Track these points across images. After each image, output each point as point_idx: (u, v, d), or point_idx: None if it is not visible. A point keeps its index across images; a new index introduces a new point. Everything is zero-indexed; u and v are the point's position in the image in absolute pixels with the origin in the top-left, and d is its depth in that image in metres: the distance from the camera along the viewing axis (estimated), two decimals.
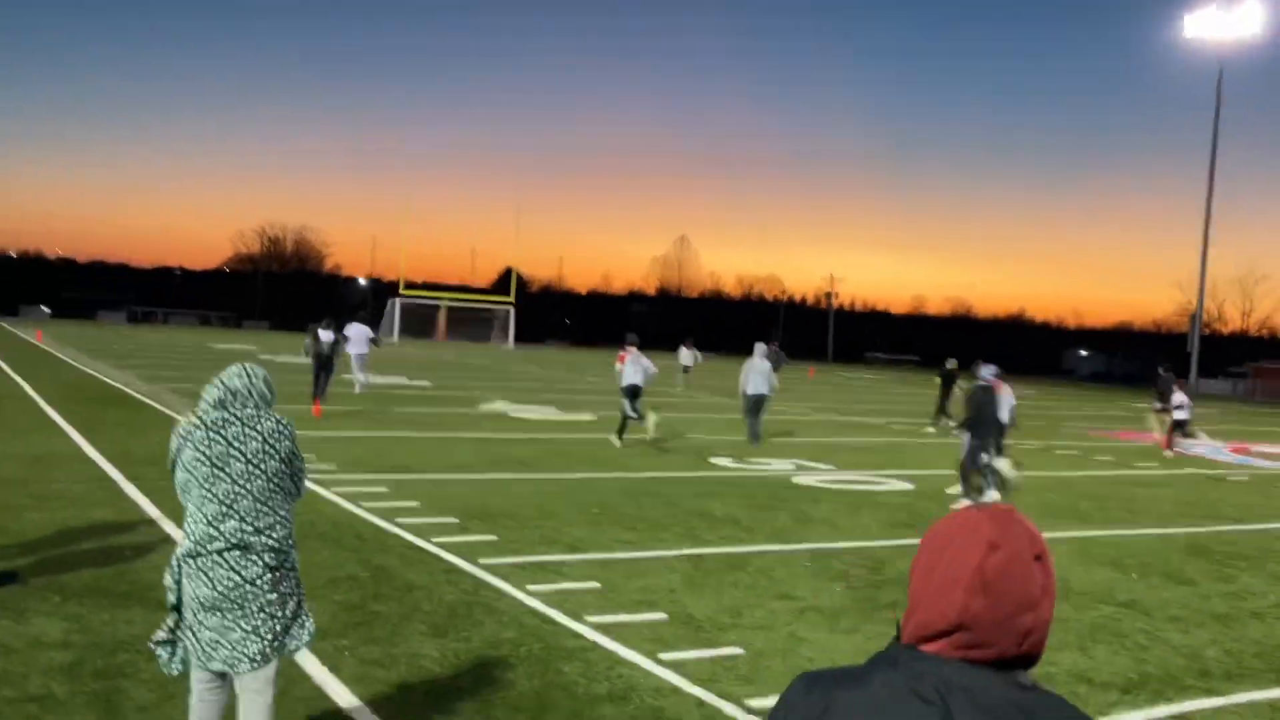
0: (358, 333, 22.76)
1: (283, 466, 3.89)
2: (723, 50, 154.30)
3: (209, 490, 3.76)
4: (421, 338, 61.74)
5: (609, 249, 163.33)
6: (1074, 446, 21.43)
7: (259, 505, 3.79)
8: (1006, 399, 13.67)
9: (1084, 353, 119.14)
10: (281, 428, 3.93)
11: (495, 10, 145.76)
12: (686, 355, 34.39)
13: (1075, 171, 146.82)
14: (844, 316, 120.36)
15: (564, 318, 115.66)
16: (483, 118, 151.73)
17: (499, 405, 22.20)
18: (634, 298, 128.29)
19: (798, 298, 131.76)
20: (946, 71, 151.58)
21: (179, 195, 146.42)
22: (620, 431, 16.56)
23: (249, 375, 3.96)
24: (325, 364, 19.46)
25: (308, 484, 4.54)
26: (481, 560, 8.06)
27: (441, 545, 8.47)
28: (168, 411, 17.31)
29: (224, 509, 3.75)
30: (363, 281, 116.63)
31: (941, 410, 23.42)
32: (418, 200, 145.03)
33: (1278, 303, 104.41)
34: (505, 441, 16.02)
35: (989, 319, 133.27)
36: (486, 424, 18.48)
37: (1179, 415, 21.52)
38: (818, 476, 14.08)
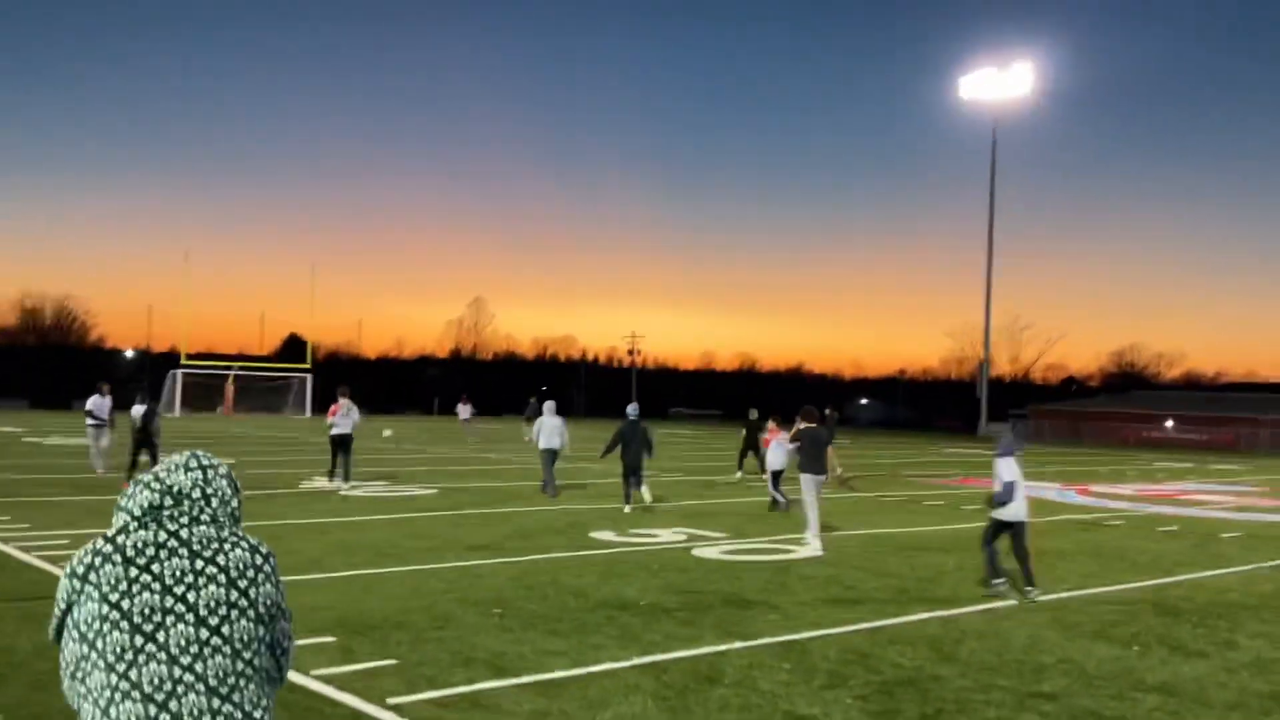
0: (97, 406, 21.08)
1: (258, 628, 2.16)
2: (513, 116, 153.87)
3: (126, 674, 2.02)
4: (205, 411, 57.06)
5: (404, 313, 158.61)
6: (934, 496, 20.89)
7: (217, 701, 2.00)
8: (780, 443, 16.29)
9: (864, 401, 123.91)
10: (259, 560, 2.22)
11: (282, 65, 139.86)
12: (464, 410, 39.46)
13: (851, 225, 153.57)
14: (641, 374, 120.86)
15: (356, 384, 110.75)
16: (271, 178, 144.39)
17: (322, 482, 19.75)
18: (427, 361, 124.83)
19: (596, 357, 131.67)
20: (729, 129, 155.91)
21: None
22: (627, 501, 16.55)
23: (204, 469, 2.21)
24: (143, 439, 18.42)
25: None
26: (390, 700, 6.12)
27: (327, 680, 6.47)
28: None
29: (153, 709, 1.98)
30: (129, 353, 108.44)
31: (745, 456, 24.32)
32: (201, 265, 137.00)
33: (1041, 349, 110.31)
34: (348, 526, 13.81)
35: (773, 372, 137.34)
36: (318, 506, 16.11)
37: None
38: (717, 548, 12.61)
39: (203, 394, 58.28)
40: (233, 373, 59.76)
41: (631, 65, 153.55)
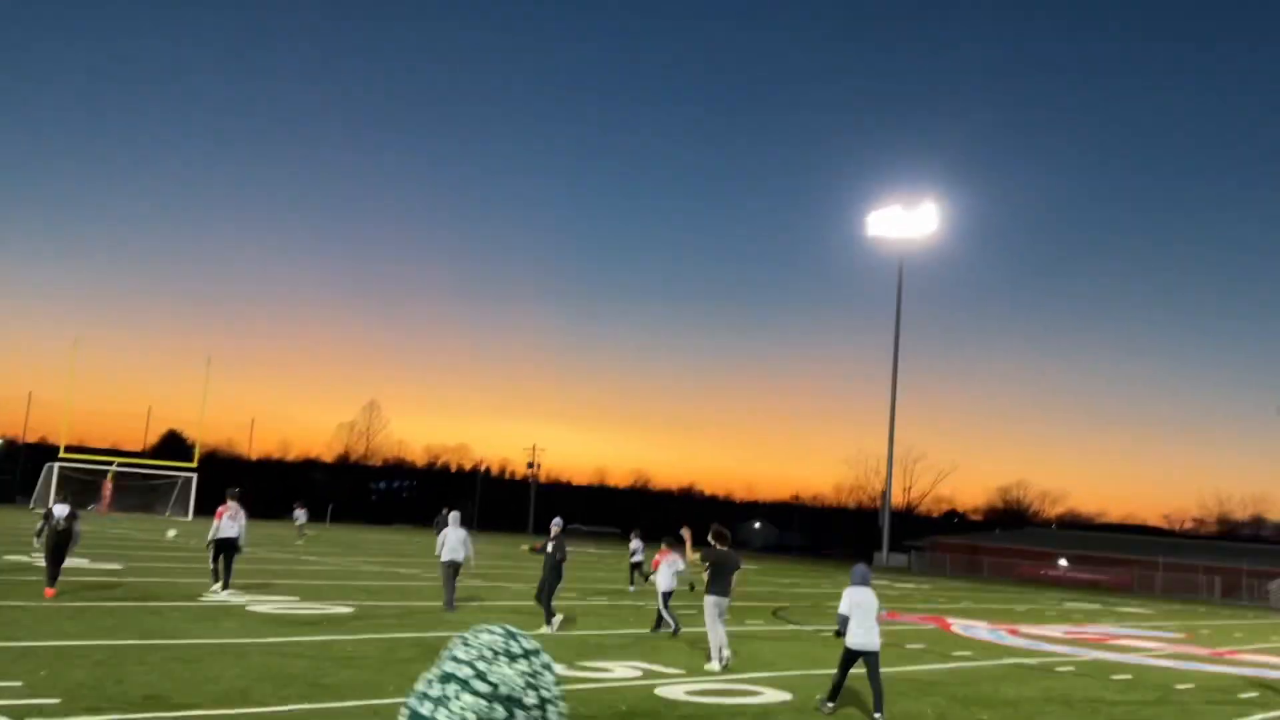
0: None
1: None
2: (417, 221, 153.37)
3: None
4: (80, 508, 53.64)
5: (293, 414, 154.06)
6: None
7: None
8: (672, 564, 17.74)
9: (757, 525, 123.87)
10: None
11: (180, 152, 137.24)
12: (300, 514, 44.14)
13: (748, 348, 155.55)
14: (524, 487, 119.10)
15: (238, 486, 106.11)
16: (166, 269, 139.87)
17: (225, 595, 18.21)
18: (313, 465, 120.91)
19: (489, 468, 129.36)
20: (636, 248, 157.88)
21: None
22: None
23: (533, 664, 1.44)
24: (61, 542, 16.45)
25: None
26: None
27: None
28: None
29: None
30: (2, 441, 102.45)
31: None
32: (85, 353, 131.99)
33: (933, 480, 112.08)
34: (268, 650, 12.51)
35: (665, 491, 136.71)
36: (228, 623, 14.68)
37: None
38: (682, 688, 11.70)
39: (79, 489, 54.84)
40: (112, 468, 56.57)
41: (542, 176, 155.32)
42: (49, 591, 16.03)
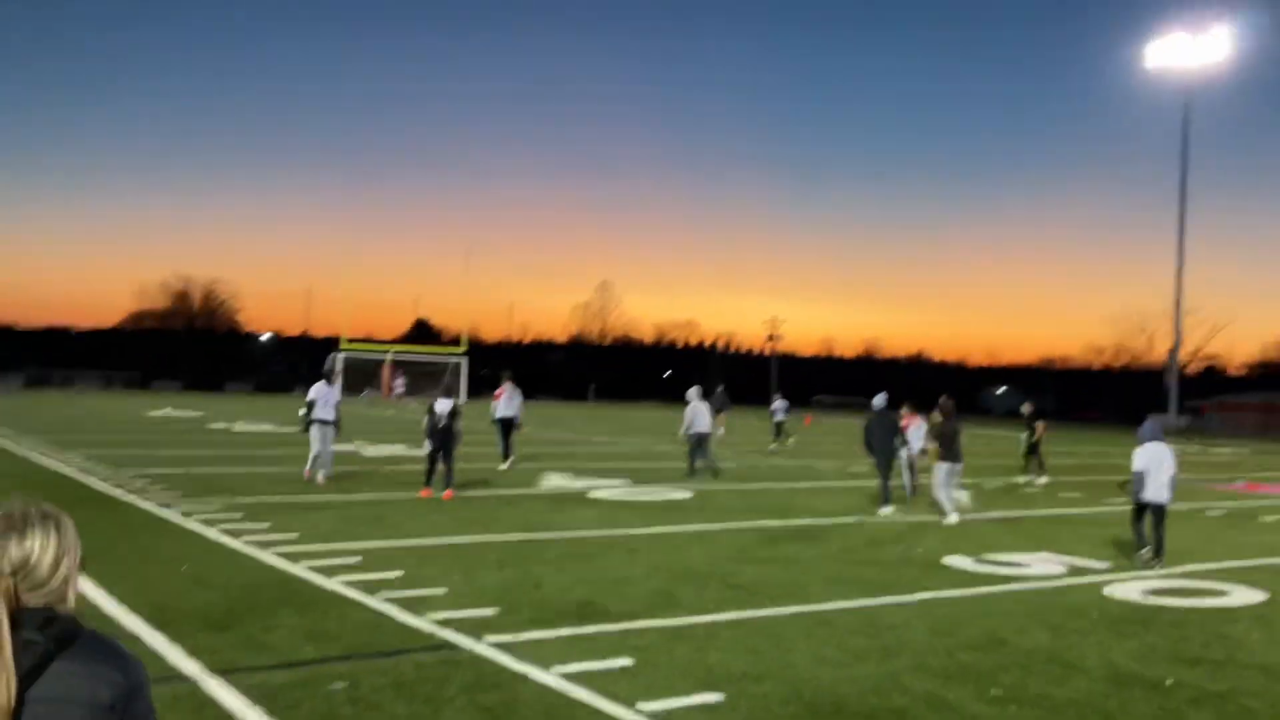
0: (323, 397, 16.86)
1: None
2: (641, 109, 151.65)
3: None
4: (355, 395, 56.59)
5: (525, 300, 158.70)
6: (1239, 506, 18.02)
7: None
8: (919, 429, 16.98)
9: (1000, 390, 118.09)
10: None
11: (436, 67, 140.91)
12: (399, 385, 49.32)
13: (983, 206, 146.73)
14: (758, 361, 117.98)
15: (496, 370, 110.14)
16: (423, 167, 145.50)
17: (559, 480, 17.94)
18: (547, 347, 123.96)
19: (718, 343, 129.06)
20: (863, 111, 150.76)
21: (70, 251, 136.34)
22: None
23: None
24: (443, 441, 15.40)
25: None
26: None
27: None
28: (162, 513, 12.67)
29: None
30: (264, 336, 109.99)
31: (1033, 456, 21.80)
32: (344, 250, 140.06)
33: (1205, 336, 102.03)
34: (651, 542, 11.84)
35: (896, 358, 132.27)
36: (586, 511, 14.18)
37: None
38: (1131, 585, 10.19)
39: (361, 379, 57.83)
40: (389, 357, 59.22)
41: (761, 46, 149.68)
42: (425, 492, 15.13)
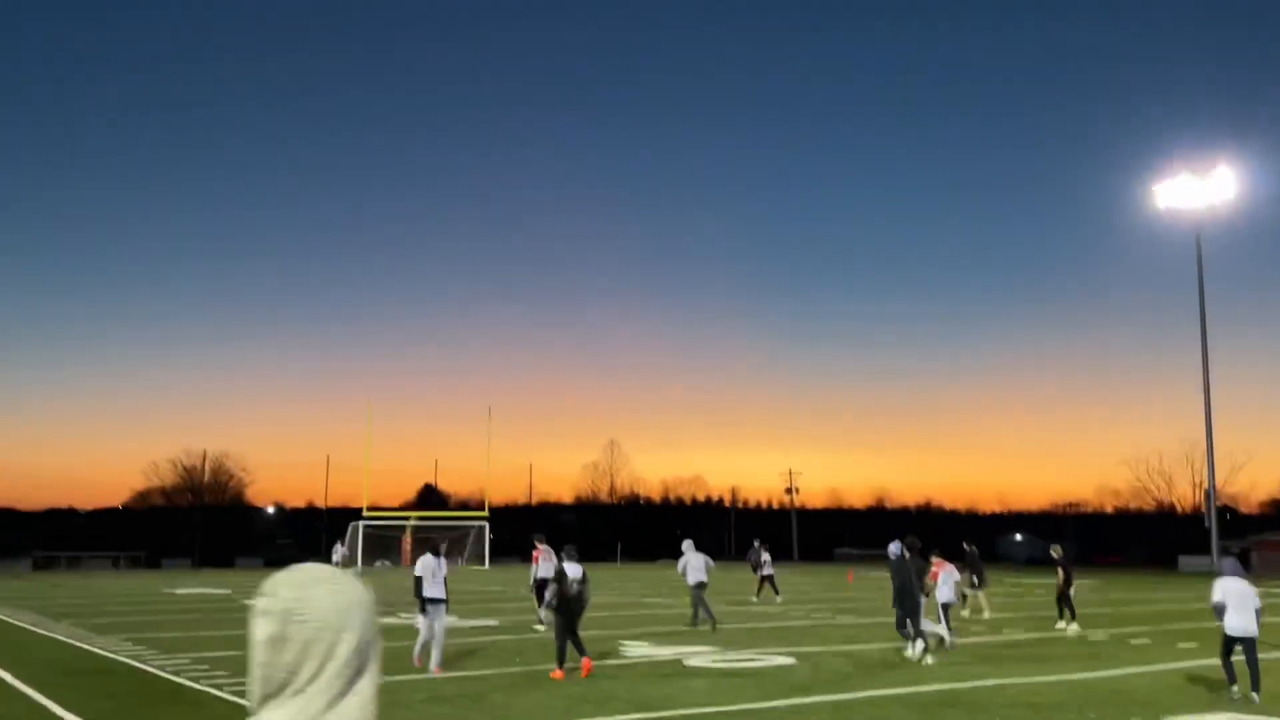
0: (431, 571, 14.48)
1: None
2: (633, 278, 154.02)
3: None
4: (379, 563, 55.13)
5: (530, 461, 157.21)
6: None
7: None
8: (949, 576, 17.62)
9: (1019, 537, 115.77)
10: None
11: (441, 246, 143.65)
12: (338, 554, 46.02)
13: (981, 354, 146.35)
14: (777, 515, 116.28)
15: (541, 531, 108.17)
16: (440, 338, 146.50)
17: (643, 648, 16.67)
18: (559, 508, 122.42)
19: (722, 499, 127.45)
20: (864, 254, 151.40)
21: (73, 430, 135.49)
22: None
23: None
24: (573, 609, 13.80)
25: None
26: None
27: None
28: (217, 693, 11.46)
29: None
30: (270, 509, 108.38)
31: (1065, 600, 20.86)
32: (357, 419, 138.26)
33: (1229, 474, 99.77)
34: (787, 717, 10.64)
35: (906, 507, 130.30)
36: (696, 683, 12.95)
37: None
38: None
39: (381, 546, 56.37)
40: (409, 523, 57.86)
41: (757, 200, 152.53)
42: (558, 674, 13.30)
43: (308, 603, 1.44)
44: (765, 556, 29.28)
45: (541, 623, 19.91)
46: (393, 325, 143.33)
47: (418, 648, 14.48)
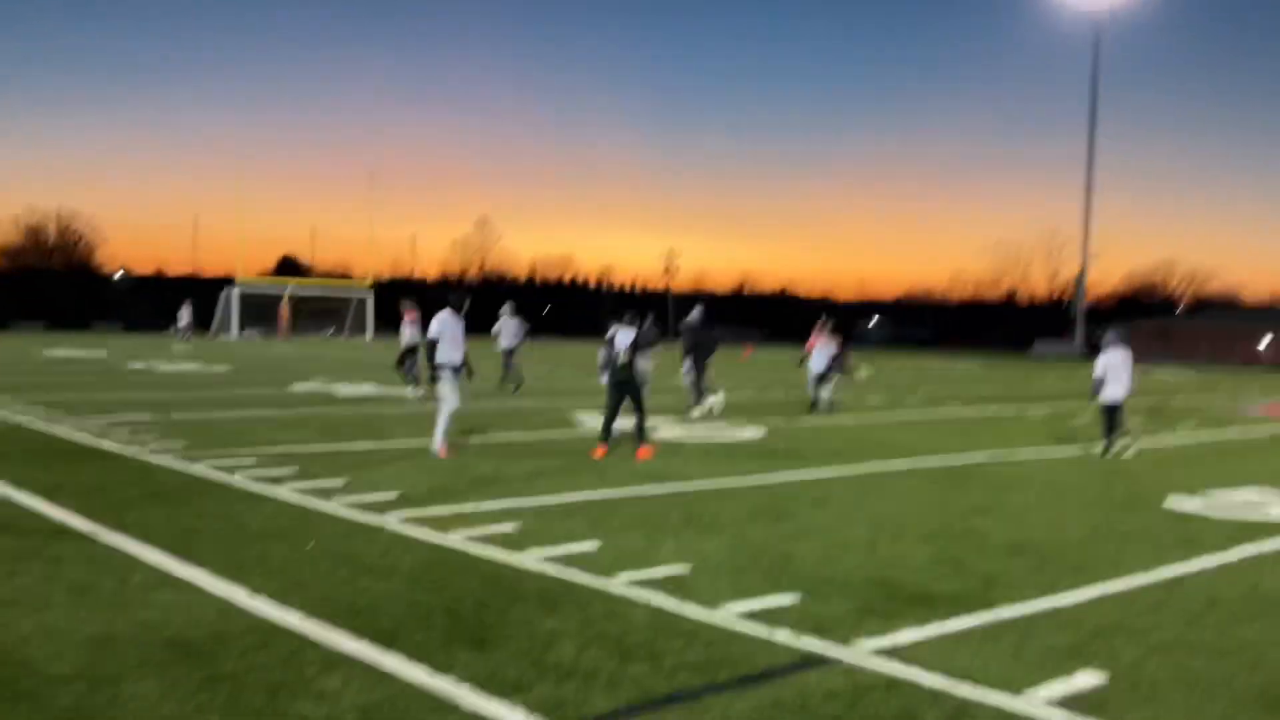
0: (450, 329, 11.91)
1: None
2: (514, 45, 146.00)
3: None
4: (246, 332, 52.57)
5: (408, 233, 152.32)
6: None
7: None
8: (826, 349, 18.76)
9: (873, 320, 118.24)
10: None
11: None
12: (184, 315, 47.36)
13: (839, 137, 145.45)
14: (635, 298, 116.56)
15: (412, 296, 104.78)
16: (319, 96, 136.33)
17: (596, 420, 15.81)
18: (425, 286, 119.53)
19: (587, 280, 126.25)
20: (733, 42, 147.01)
21: None
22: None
23: None
24: (627, 382, 12.23)
25: None
26: None
27: None
28: (194, 470, 10.08)
29: None
30: (116, 275, 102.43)
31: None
32: (228, 180, 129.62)
33: (1081, 263, 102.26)
34: (814, 489, 9.92)
35: (764, 294, 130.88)
36: (683, 460, 12.14)
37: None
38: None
39: (256, 315, 53.82)
40: (287, 292, 55.24)
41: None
42: (600, 450, 12.03)
43: None
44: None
45: (414, 390, 19.27)
46: (266, 85, 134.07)
47: (440, 428, 11.76)
